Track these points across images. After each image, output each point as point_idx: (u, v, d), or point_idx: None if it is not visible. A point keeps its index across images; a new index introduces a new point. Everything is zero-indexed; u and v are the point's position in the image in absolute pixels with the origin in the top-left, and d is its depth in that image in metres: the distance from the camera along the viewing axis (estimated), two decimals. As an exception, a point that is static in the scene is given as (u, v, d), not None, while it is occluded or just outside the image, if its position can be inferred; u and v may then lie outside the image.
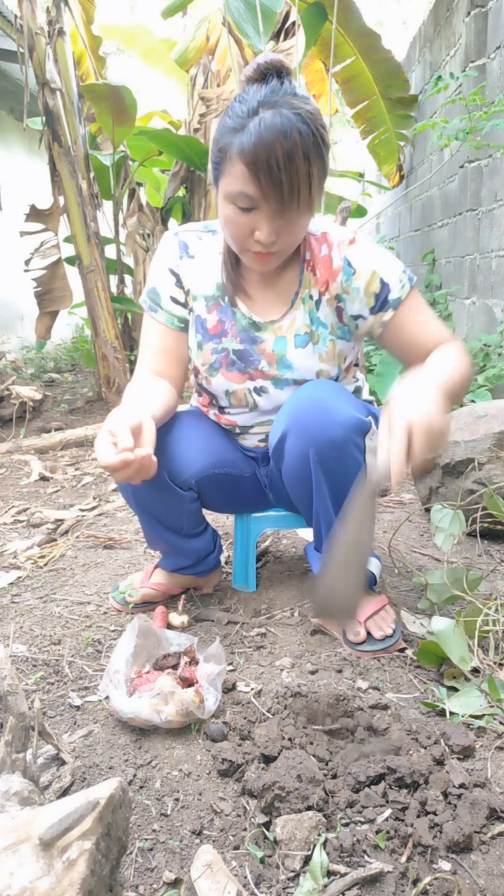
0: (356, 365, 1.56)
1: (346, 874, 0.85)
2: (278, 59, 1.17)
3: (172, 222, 5.04)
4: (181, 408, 1.64)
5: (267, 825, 0.94)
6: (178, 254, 1.42)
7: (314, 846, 0.88)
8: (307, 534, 1.96)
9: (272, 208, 1.17)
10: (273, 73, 1.17)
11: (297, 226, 1.22)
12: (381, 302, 1.35)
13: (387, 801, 0.94)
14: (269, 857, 0.90)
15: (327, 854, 0.87)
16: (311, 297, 1.38)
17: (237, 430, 1.52)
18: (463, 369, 1.26)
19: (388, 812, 0.93)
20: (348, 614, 1.07)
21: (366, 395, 1.59)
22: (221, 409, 1.50)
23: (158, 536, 1.53)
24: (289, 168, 1.12)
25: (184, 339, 1.46)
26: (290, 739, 1.06)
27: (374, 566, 1.52)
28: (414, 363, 1.32)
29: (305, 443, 1.26)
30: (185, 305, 1.44)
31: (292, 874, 0.87)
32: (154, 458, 1.14)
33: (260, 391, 1.43)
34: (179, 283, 1.43)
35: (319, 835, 0.89)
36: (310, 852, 0.88)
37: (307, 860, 0.88)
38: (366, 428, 1.30)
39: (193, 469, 1.42)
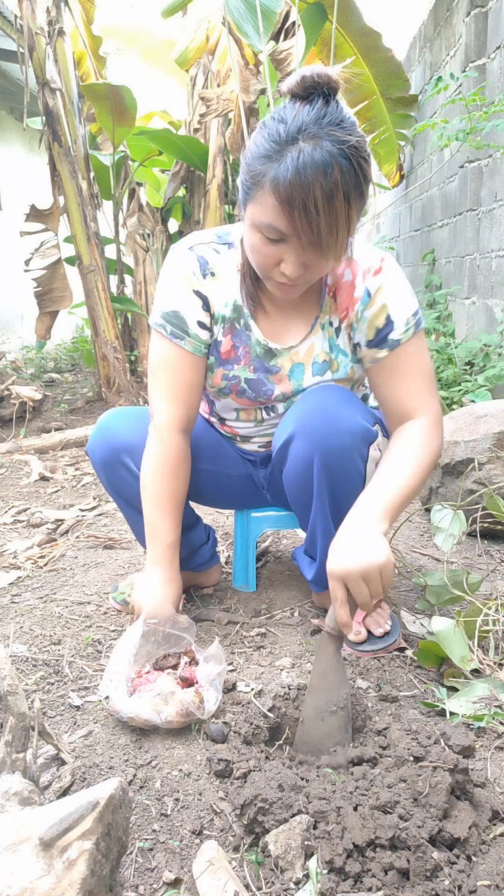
0: None
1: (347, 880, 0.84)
2: (326, 74, 1.05)
3: (172, 222, 5.04)
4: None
5: (257, 841, 0.93)
6: (199, 272, 1.31)
7: (312, 855, 0.88)
8: (307, 534, 1.96)
9: (303, 246, 1.10)
10: (319, 92, 1.05)
11: (326, 263, 1.15)
12: (380, 339, 1.28)
13: (386, 812, 0.94)
14: (268, 857, 0.90)
15: (325, 863, 0.86)
16: (331, 323, 1.32)
17: (237, 439, 1.51)
18: (419, 469, 1.20)
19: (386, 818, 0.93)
20: (329, 752, 1.07)
21: (372, 401, 1.58)
22: (223, 420, 1.49)
23: (142, 527, 1.52)
24: (327, 210, 1.04)
25: (206, 364, 1.38)
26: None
27: None
28: (385, 412, 1.33)
29: (311, 448, 1.25)
30: (210, 330, 1.34)
31: (293, 882, 0.87)
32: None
33: (270, 409, 1.42)
34: (207, 306, 1.32)
35: (314, 840, 0.88)
36: (307, 861, 0.87)
37: (306, 867, 0.87)
38: (372, 437, 1.29)
39: None
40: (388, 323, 1.27)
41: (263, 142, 1.08)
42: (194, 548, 1.60)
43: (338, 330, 1.33)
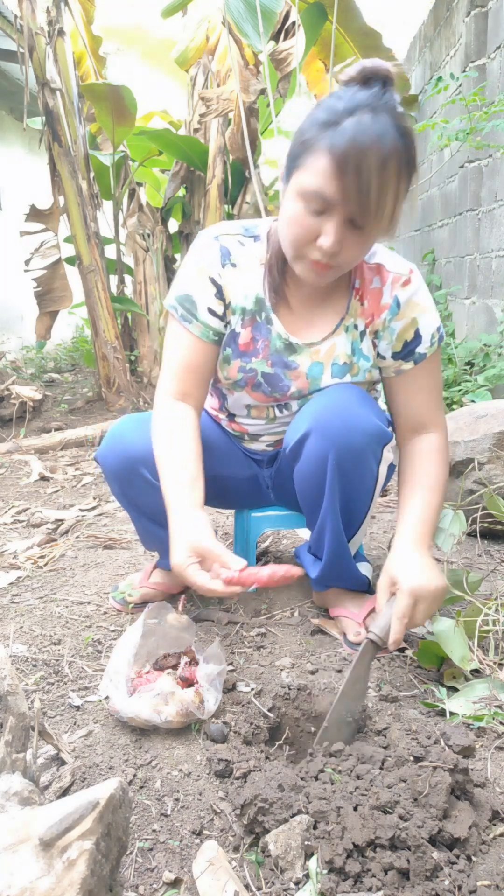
0: None
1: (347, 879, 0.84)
2: (385, 67, 1.08)
3: (172, 222, 5.04)
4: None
5: (257, 841, 0.93)
6: (219, 261, 1.32)
7: (312, 855, 0.88)
8: (307, 534, 1.96)
9: (348, 215, 1.09)
10: (378, 81, 1.08)
11: (365, 242, 1.15)
12: (407, 352, 1.32)
13: (386, 812, 0.94)
14: (268, 857, 0.90)
15: (325, 863, 0.86)
16: (355, 326, 1.33)
17: (245, 437, 1.51)
18: (441, 486, 1.31)
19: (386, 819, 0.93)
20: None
21: (381, 405, 1.58)
22: (232, 416, 1.48)
23: (152, 534, 1.52)
24: (380, 175, 1.04)
25: (217, 352, 1.38)
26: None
27: (366, 569, 1.52)
28: (397, 420, 1.38)
29: (327, 445, 1.25)
30: (222, 318, 1.34)
31: (293, 882, 0.87)
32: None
33: (283, 407, 1.41)
34: (220, 295, 1.33)
35: (314, 840, 0.88)
36: (307, 861, 0.87)
37: (305, 867, 0.87)
38: (387, 438, 1.29)
39: None
40: (417, 337, 1.30)
41: (320, 113, 1.09)
42: None
43: (362, 334, 1.33)
